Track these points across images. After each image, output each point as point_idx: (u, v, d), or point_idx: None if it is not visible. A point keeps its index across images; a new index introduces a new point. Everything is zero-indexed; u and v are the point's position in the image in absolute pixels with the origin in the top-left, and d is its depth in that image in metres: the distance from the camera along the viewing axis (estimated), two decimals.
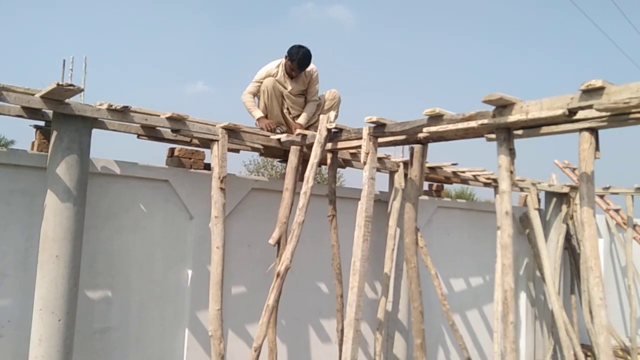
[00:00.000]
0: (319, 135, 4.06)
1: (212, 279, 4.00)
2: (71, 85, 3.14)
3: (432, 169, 5.86)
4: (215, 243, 4.01)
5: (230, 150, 4.53)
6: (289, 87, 5.12)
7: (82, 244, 3.57)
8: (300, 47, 4.94)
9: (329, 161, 4.68)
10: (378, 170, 5.62)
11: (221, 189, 4.03)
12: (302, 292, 5.14)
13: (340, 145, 4.37)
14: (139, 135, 4.32)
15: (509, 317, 3.01)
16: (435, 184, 6.58)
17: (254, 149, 4.83)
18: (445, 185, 7.08)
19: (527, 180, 7.00)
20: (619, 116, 2.91)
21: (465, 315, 6.70)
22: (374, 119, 3.71)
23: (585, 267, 3.08)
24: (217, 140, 4.10)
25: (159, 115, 3.90)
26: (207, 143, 4.26)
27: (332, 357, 5.17)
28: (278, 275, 3.95)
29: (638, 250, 8.41)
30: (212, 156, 4.17)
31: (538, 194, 7.26)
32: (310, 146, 4.28)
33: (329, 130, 4.09)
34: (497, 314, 4.73)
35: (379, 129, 3.80)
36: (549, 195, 7.51)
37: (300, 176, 4.54)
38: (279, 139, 4.62)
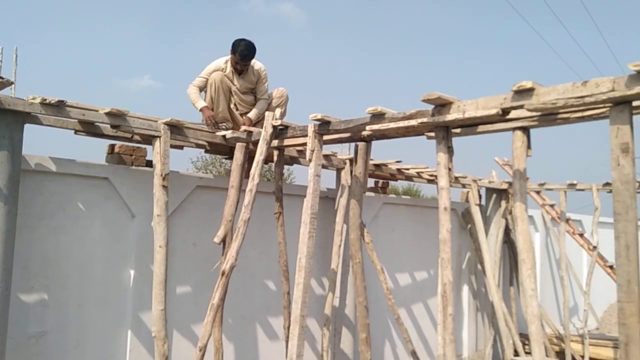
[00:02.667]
0: (265, 132, 4.06)
1: (155, 279, 3.92)
2: (0, 77, 2.99)
3: (377, 166, 5.97)
4: (157, 242, 3.93)
5: (173, 146, 4.44)
6: (237, 84, 5.08)
7: (14, 245, 3.40)
8: (243, 39, 4.90)
9: (275, 158, 4.68)
10: (325, 167, 5.67)
11: (164, 186, 3.95)
12: (249, 290, 5.11)
13: (287, 142, 4.38)
14: (76, 131, 4.16)
15: (447, 309, 3.12)
16: (381, 181, 6.70)
17: (198, 146, 4.76)
18: (393, 182, 7.23)
19: (469, 177, 7.26)
20: (548, 116, 3.07)
21: (410, 308, 6.87)
22: (319, 116, 3.74)
23: (519, 259, 3.23)
24: (159, 137, 4.01)
25: (97, 111, 3.77)
26: (149, 139, 4.16)
27: (280, 354, 5.17)
28: (223, 273, 3.91)
29: (571, 243, 8.90)
30: (154, 153, 4.08)
31: (479, 190, 7.53)
32: (256, 143, 4.26)
33: (274, 127, 4.09)
34: (440, 307, 4.88)
35: (323, 126, 3.84)
36: (489, 191, 7.82)
37: (246, 173, 4.51)
38: (224, 136, 4.57)
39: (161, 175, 3.94)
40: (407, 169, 6.47)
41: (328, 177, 5.86)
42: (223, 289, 3.92)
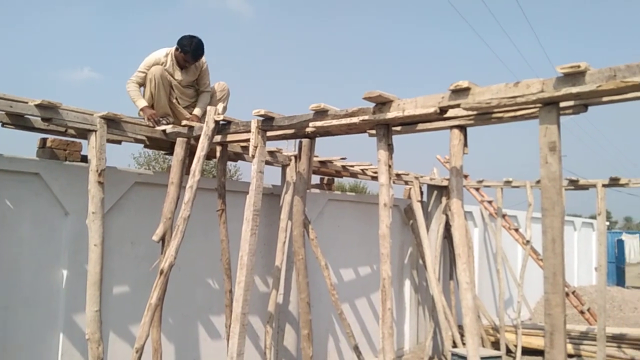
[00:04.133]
0: (206, 127, 3.97)
1: (89, 279, 3.76)
2: None
3: (322, 163, 5.99)
4: (92, 240, 3.77)
5: (110, 141, 4.27)
6: (179, 78, 4.95)
7: None
8: (192, 37, 4.80)
9: (218, 154, 4.59)
10: (270, 164, 5.64)
11: (99, 182, 3.79)
12: (190, 289, 5.01)
13: (230, 138, 4.31)
14: (3, 124, 3.93)
15: (387, 303, 3.18)
16: (326, 178, 6.74)
17: (137, 141, 4.60)
18: (340, 179, 7.29)
19: (411, 174, 7.43)
20: (483, 115, 3.18)
21: (354, 303, 6.96)
22: (262, 112, 3.71)
23: (455, 253, 3.33)
24: (95, 131, 3.84)
25: (26, 102, 3.57)
26: (84, 133, 3.98)
27: (222, 352, 5.10)
28: (162, 272, 3.81)
29: (507, 237, 9.30)
30: (89, 148, 3.91)
31: (421, 187, 7.73)
32: (197, 138, 4.17)
33: (216, 122, 4.02)
34: (380, 301, 4.97)
35: (267, 122, 3.80)
36: (431, 188, 8.04)
37: (187, 169, 4.41)
38: (164, 131, 4.45)
39: (97, 171, 3.78)
40: (352, 166, 6.54)
41: (274, 174, 5.85)
42: (161, 288, 3.82)
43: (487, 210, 9.15)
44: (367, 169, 6.62)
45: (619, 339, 7.81)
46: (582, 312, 9.46)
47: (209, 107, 4.08)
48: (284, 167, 5.62)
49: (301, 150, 4.57)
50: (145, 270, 4.44)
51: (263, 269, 5.70)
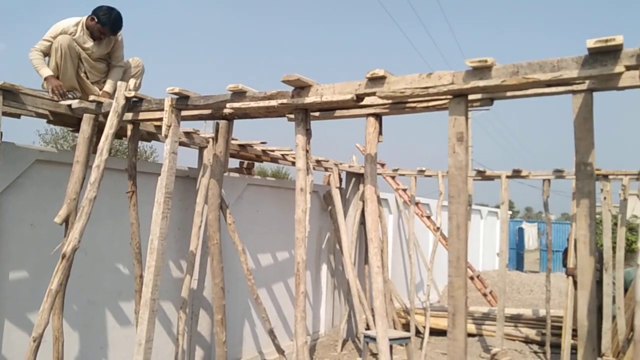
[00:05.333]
0: (116, 103, 3.75)
1: None
2: None
3: (242, 146, 5.90)
4: None
5: (7, 114, 3.91)
6: (89, 49, 4.62)
7: None
8: (110, 9, 4.50)
9: (129, 133, 4.37)
10: (186, 145, 5.46)
11: None
12: (98, 274, 4.75)
13: (142, 116, 4.11)
14: None
15: (300, 287, 3.20)
16: (246, 162, 6.65)
17: (39, 115, 4.25)
18: (262, 165, 7.23)
19: (331, 161, 7.53)
20: (398, 104, 3.26)
21: (271, 288, 6.96)
22: (177, 90, 3.56)
23: (367, 238, 3.41)
24: None
25: None
26: None
27: (132, 339, 4.88)
28: (64, 256, 3.58)
29: (419, 224, 9.72)
30: None
31: (340, 174, 7.85)
32: (106, 115, 3.92)
33: (127, 98, 3.80)
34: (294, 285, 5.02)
35: (182, 101, 3.66)
36: (349, 175, 8.20)
37: (94, 148, 4.15)
38: (69, 106, 4.14)
39: None
40: (272, 151, 6.50)
41: (193, 156, 5.67)
42: (63, 274, 3.59)
43: (402, 198, 9.50)
44: (287, 154, 6.61)
45: (516, 319, 8.47)
46: (485, 295, 10.14)
47: (119, 82, 3.85)
48: (201, 149, 5.47)
49: (218, 132, 4.46)
50: (46, 255, 4.14)
51: (177, 254, 5.54)
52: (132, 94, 3.78)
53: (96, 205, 3.99)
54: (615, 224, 7.28)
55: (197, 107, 3.64)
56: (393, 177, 9.16)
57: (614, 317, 6.82)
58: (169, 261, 5.47)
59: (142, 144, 13.78)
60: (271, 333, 5.60)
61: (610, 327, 6.75)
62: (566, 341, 6.33)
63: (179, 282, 5.39)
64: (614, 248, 6.93)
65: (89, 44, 4.61)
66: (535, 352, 7.66)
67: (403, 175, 8.50)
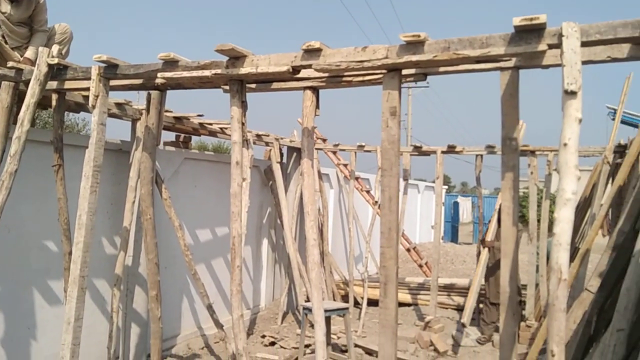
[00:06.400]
0: (38, 70, 3.52)
1: None
2: None
3: (178, 119, 5.73)
4: None
5: None
6: (7, 12, 4.29)
7: None
8: None
9: (54, 103, 4.12)
10: (118, 117, 5.23)
11: None
12: (23, 252, 4.51)
13: (68, 85, 3.88)
14: None
15: (236, 261, 3.18)
16: (182, 135, 6.46)
17: None
18: (203, 139, 7.06)
19: (272, 136, 7.47)
20: (335, 78, 3.26)
21: (210, 264, 6.90)
22: (104, 57, 3.38)
23: (304, 212, 3.43)
24: None
25: None
26: None
27: (62, 318, 4.73)
28: None
29: (359, 198, 9.88)
30: None
31: (281, 149, 7.81)
32: (27, 83, 3.67)
33: (50, 66, 3.57)
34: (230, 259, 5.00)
35: (110, 69, 3.48)
36: (291, 150, 8.18)
37: (14, 118, 3.89)
38: None
39: None
40: (210, 124, 6.36)
41: (126, 129, 5.43)
42: None
43: (343, 173, 9.61)
44: (226, 128, 6.48)
45: (449, 289, 8.87)
46: (420, 266, 10.53)
47: (41, 48, 3.61)
48: (134, 122, 5.26)
49: (150, 103, 4.29)
50: None
51: (111, 230, 5.35)
52: (56, 60, 3.55)
53: (20, 179, 3.77)
54: (541, 198, 7.72)
55: (127, 76, 3.48)
56: (334, 153, 9.22)
57: (537, 285, 7.29)
58: (102, 238, 5.28)
59: (73, 116, 13.09)
60: (210, 308, 5.57)
61: (533, 293, 7.22)
62: (470, 302, 6.72)
63: (113, 259, 5.22)
64: (539, 220, 7.36)
65: (7, 5, 4.28)
66: None
67: (343, 150, 8.58)
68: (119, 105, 4.88)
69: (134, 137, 5.27)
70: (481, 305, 7.23)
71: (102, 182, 4.03)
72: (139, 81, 3.67)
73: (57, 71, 3.71)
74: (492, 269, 6.77)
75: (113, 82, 3.62)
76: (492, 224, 7.05)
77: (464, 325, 6.67)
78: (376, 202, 8.70)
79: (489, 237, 6.89)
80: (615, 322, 3.10)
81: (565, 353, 2.21)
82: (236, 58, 3.10)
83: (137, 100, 5.45)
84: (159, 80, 3.54)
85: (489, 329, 6.82)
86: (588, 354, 3.72)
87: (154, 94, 4.26)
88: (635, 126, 6.97)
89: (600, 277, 3.70)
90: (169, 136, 6.38)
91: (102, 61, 3.43)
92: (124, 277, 5.10)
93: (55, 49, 3.60)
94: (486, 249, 6.91)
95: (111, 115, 4.96)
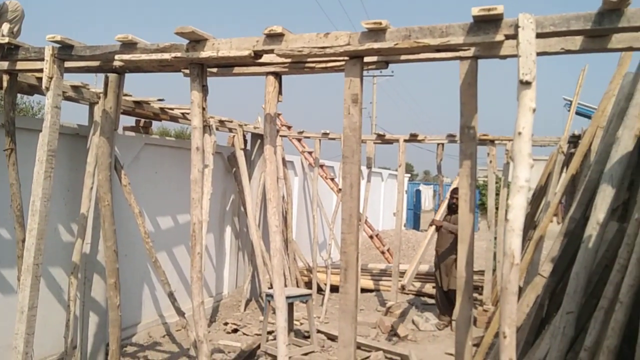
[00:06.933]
0: None
1: None
2: None
3: (137, 103, 5.59)
4: None
5: None
6: None
7: None
8: None
9: (5, 84, 3.95)
10: (75, 100, 5.06)
11: None
12: None
13: (20, 66, 3.72)
14: None
15: (196, 248, 3.15)
16: (143, 120, 6.30)
17: None
18: (165, 125, 6.91)
19: (235, 122, 7.38)
20: (297, 64, 3.24)
21: (172, 251, 6.81)
22: (58, 38, 3.25)
23: (266, 198, 3.42)
24: None
25: None
26: None
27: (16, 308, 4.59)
28: None
29: (323, 186, 9.92)
30: None
31: (245, 135, 7.74)
32: None
33: (0, 45, 3.41)
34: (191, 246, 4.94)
35: (65, 50, 3.36)
36: (255, 136, 8.11)
37: None
38: None
39: None
40: (171, 109, 6.23)
41: (84, 112, 5.24)
42: None
43: (307, 160, 9.61)
44: (188, 113, 6.36)
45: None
46: (383, 252, 10.69)
47: None
48: (92, 105, 5.10)
49: (107, 86, 4.17)
50: None
51: (68, 217, 5.20)
52: (6, 40, 3.40)
53: None
54: (500, 186, 7.94)
55: (83, 58, 3.36)
56: (299, 140, 9.21)
57: (494, 270, 7.52)
58: (59, 225, 5.13)
59: (28, 99, 12.59)
60: (171, 296, 5.50)
61: (490, 279, 7.44)
62: (413, 267, 7.04)
63: (70, 247, 5.08)
64: (497, 208, 7.57)
65: None
66: (425, 304, 8.27)
67: (308, 137, 8.57)
68: (75, 88, 4.72)
69: (91, 122, 5.11)
70: (435, 293, 7.45)
71: (58, 168, 3.90)
72: (95, 63, 3.55)
73: (7, 51, 3.56)
74: (442, 256, 6.94)
75: (68, 64, 3.50)
76: (442, 206, 7.31)
77: (403, 288, 7.11)
78: (340, 189, 8.75)
79: (438, 217, 7.20)
80: (565, 305, 3.23)
81: (518, 335, 2.30)
82: (197, 41, 3.04)
83: (95, 83, 5.28)
84: (116, 63, 3.44)
85: (445, 317, 7.01)
86: (540, 335, 3.87)
87: (112, 76, 4.13)
88: (589, 117, 7.24)
89: (552, 262, 3.85)
90: (129, 121, 6.22)
91: (56, 41, 3.30)
92: (82, 265, 4.98)
93: (5, 27, 3.45)
94: (433, 227, 7.29)
95: (67, 98, 4.79)
